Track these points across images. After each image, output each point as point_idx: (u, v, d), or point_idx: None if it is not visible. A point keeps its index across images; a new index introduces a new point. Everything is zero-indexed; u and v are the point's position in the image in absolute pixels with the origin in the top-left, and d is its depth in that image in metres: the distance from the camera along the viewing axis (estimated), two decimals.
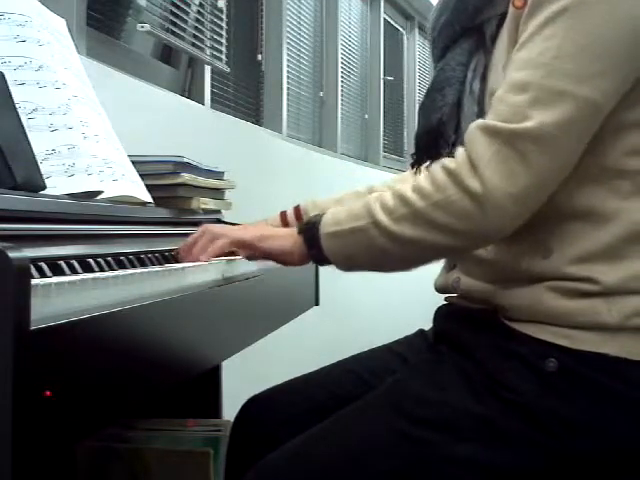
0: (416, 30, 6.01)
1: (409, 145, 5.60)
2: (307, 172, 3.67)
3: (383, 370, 1.31)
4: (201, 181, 1.69)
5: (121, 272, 1.06)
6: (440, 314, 1.28)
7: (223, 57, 3.10)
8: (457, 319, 1.21)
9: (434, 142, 1.20)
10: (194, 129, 2.71)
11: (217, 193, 1.78)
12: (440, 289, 1.27)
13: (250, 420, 1.37)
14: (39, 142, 1.28)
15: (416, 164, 1.24)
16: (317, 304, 1.93)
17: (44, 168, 1.24)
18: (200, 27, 3.00)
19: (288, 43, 3.92)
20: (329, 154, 4.28)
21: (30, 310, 0.75)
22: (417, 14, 5.90)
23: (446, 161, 1.09)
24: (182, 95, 2.94)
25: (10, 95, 1.21)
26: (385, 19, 5.39)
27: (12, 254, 0.74)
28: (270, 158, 3.35)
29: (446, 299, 1.28)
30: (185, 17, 2.90)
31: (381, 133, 5.24)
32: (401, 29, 5.89)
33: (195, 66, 3.07)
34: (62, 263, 0.98)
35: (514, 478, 1.09)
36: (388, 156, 5.43)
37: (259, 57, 3.75)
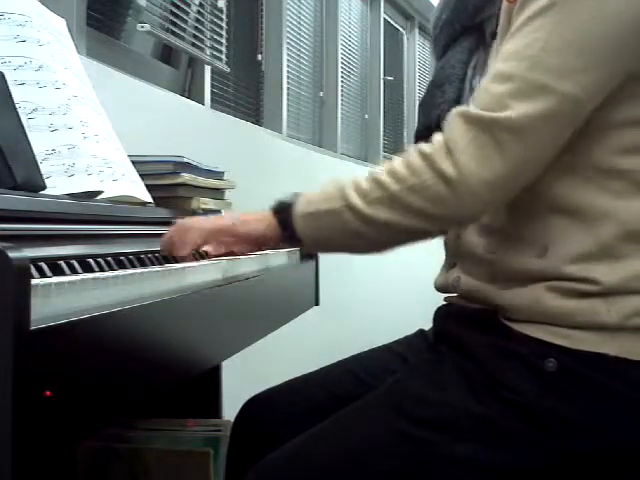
0: (416, 30, 6.01)
1: (409, 145, 5.59)
2: (307, 172, 3.67)
3: (383, 370, 1.31)
4: (201, 181, 1.69)
5: (121, 272, 1.06)
6: (440, 314, 1.28)
7: (223, 57, 3.10)
8: (457, 319, 1.21)
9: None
10: (194, 129, 2.71)
11: (217, 193, 1.78)
12: (440, 288, 1.27)
13: (250, 420, 1.37)
14: (39, 142, 1.29)
15: None
16: (317, 304, 1.93)
17: (44, 168, 1.24)
18: (200, 27, 3.00)
19: (288, 43, 3.92)
20: (329, 154, 4.28)
21: (30, 310, 0.75)
22: (417, 14, 5.89)
23: (422, 145, 1.09)
24: (182, 95, 2.95)
25: (10, 95, 1.21)
26: (385, 19, 5.39)
27: (12, 254, 0.74)
28: (270, 158, 3.35)
29: (446, 299, 1.28)
30: (185, 17, 2.90)
31: (381, 133, 5.24)
32: (401, 29, 5.89)
33: (195, 66, 3.07)
34: (62, 263, 0.98)
35: (514, 478, 1.09)
36: (388, 156, 5.44)
37: (259, 57, 3.75)
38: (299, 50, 4.17)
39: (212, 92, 3.15)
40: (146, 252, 1.25)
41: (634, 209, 1.09)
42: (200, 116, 2.90)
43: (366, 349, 1.43)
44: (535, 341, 1.09)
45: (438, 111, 1.20)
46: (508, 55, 1.08)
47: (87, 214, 1.23)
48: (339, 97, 4.60)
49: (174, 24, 2.79)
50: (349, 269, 3.77)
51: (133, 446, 1.69)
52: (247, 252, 1.38)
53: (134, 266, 1.18)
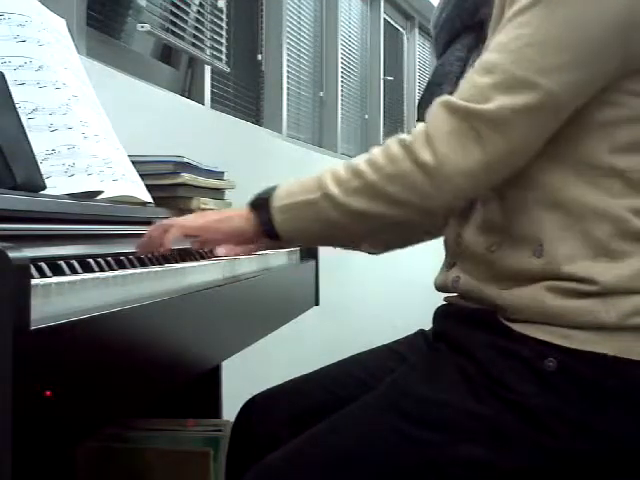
0: (416, 30, 6.01)
1: None
2: (307, 172, 3.66)
3: (383, 370, 1.31)
4: (201, 181, 1.69)
5: (121, 272, 1.06)
6: (440, 314, 1.28)
7: (223, 57, 3.10)
8: (457, 319, 1.21)
9: None
10: (194, 129, 2.71)
11: (217, 193, 1.78)
12: (440, 288, 1.27)
13: (250, 420, 1.37)
14: (39, 142, 1.29)
15: None
16: (317, 304, 1.93)
17: (44, 168, 1.24)
18: (200, 27, 3.00)
19: (288, 43, 3.92)
20: (329, 154, 4.28)
21: (30, 310, 0.75)
22: (417, 14, 5.90)
23: (402, 135, 1.10)
24: (182, 95, 2.95)
25: (10, 95, 1.21)
26: (385, 19, 5.39)
27: (12, 254, 0.74)
28: (270, 158, 3.35)
29: (445, 299, 1.28)
30: (185, 17, 2.90)
31: (381, 133, 5.24)
32: (401, 29, 5.89)
33: (195, 66, 3.07)
34: (62, 263, 0.98)
35: (514, 478, 1.09)
36: None
37: (259, 57, 3.75)
38: (299, 50, 4.17)
39: (212, 92, 3.15)
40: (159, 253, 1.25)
41: (629, 207, 1.09)
42: (200, 116, 2.90)
43: (366, 349, 1.43)
44: (535, 341, 1.09)
45: None
46: (494, 47, 1.09)
47: (87, 214, 1.23)
48: (339, 97, 4.60)
49: (174, 24, 2.79)
50: (349, 269, 3.78)
51: (133, 446, 1.69)
52: (236, 250, 1.37)
53: (134, 266, 1.18)
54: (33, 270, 0.87)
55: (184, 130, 2.60)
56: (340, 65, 4.61)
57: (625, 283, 1.07)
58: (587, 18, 1.05)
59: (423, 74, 6.08)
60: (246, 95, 3.65)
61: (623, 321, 1.07)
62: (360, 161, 1.11)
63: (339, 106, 4.59)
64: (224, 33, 3.11)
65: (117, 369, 0.93)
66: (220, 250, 1.34)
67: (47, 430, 0.79)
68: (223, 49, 3.09)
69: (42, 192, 1.19)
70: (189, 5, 2.93)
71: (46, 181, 1.21)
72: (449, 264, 1.26)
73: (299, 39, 4.16)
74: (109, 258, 1.12)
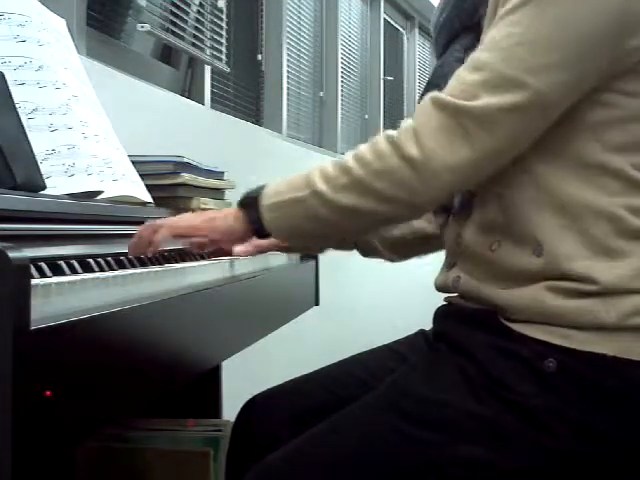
0: (416, 30, 6.01)
1: None
2: None
3: (383, 370, 1.31)
4: (201, 181, 1.69)
5: (121, 272, 1.06)
6: (440, 314, 1.28)
7: (223, 57, 3.10)
8: (457, 319, 1.21)
9: None
10: (194, 129, 2.71)
11: (217, 193, 1.78)
12: (440, 288, 1.27)
13: (251, 420, 1.37)
14: (39, 142, 1.29)
15: None
16: (317, 304, 1.93)
17: (44, 168, 1.24)
18: (200, 27, 3.00)
19: (288, 43, 3.92)
20: (329, 154, 4.28)
21: (30, 310, 0.75)
22: (417, 14, 5.90)
23: (390, 131, 1.10)
24: (182, 95, 2.95)
25: (10, 95, 1.21)
26: (385, 19, 5.39)
27: (12, 254, 0.74)
28: (270, 158, 3.35)
29: (446, 299, 1.28)
30: (185, 17, 2.90)
31: (381, 133, 5.23)
32: (401, 29, 5.89)
33: (195, 66, 3.07)
34: (62, 263, 0.98)
35: (514, 478, 1.09)
36: None
37: (259, 57, 3.75)
38: (299, 50, 4.17)
39: (212, 92, 3.15)
40: (149, 253, 1.25)
41: (625, 206, 1.09)
42: (200, 116, 2.90)
43: (366, 349, 1.43)
44: (535, 341, 1.09)
45: None
46: (484, 45, 1.09)
47: (87, 214, 1.23)
48: (339, 97, 4.60)
49: (174, 24, 2.79)
50: (349, 269, 3.77)
51: (133, 446, 1.69)
52: (225, 250, 1.38)
53: (134, 266, 1.18)
54: (33, 270, 0.87)
55: (184, 130, 2.60)
56: (340, 65, 4.61)
57: (625, 283, 1.07)
58: (577, 18, 1.06)
59: (423, 74, 6.08)
60: (246, 95, 3.65)
61: (623, 321, 1.07)
62: (347, 157, 1.11)
63: (339, 106, 4.59)
64: (224, 33, 3.11)
65: (117, 369, 0.93)
66: (238, 249, 1.34)
67: (47, 430, 0.79)
68: (223, 49, 3.09)
69: (42, 192, 1.19)
70: (189, 5, 2.93)
71: (46, 181, 1.21)
72: (449, 264, 1.26)
73: (299, 39, 4.16)
74: (109, 258, 1.12)
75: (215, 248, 1.34)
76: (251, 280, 1.45)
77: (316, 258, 1.90)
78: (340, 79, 4.60)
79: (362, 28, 5.10)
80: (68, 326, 0.81)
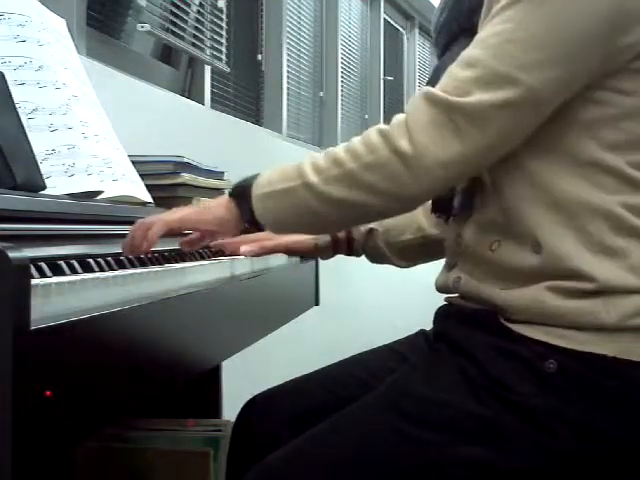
0: (416, 30, 6.02)
1: None
2: None
3: (383, 370, 1.31)
4: (201, 181, 1.69)
5: (121, 272, 1.06)
6: (440, 314, 1.28)
7: (223, 57, 3.10)
8: (457, 319, 1.21)
9: None
10: (194, 129, 2.71)
11: (217, 193, 1.78)
12: (441, 289, 1.27)
13: (251, 420, 1.37)
14: (39, 142, 1.29)
15: None
16: (317, 304, 1.93)
17: (44, 168, 1.24)
18: (200, 27, 3.00)
19: (288, 43, 3.92)
20: None
21: (30, 310, 0.75)
22: (417, 14, 5.90)
23: (382, 125, 1.10)
24: (182, 95, 2.95)
25: (10, 95, 1.21)
26: (385, 19, 5.39)
27: (12, 254, 0.74)
28: (270, 158, 3.35)
29: (446, 299, 1.28)
30: (185, 17, 2.90)
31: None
32: (401, 29, 5.89)
33: (195, 66, 3.07)
34: (62, 263, 0.98)
35: (515, 478, 1.09)
36: None
37: (259, 57, 3.75)
38: (299, 50, 4.17)
39: (212, 92, 3.16)
40: (146, 252, 1.25)
41: (622, 203, 1.09)
42: (200, 116, 2.90)
43: (366, 349, 1.43)
44: (535, 342, 1.09)
45: None
46: (477, 42, 1.10)
47: (87, 214, 1.23)
48: (339, 97, 4.60)
49: (174, 24, 2.80)
50: (349, 269, 3.77)
51: (133, 446, 1.69)
52: (218, 241, 1.38)
53: (134, 266, 1.18)
54: (33, 270, 0.87)
55: (184, 130, 2.60)
56: (340, 65, 4.61)
57: (623, 280, 1.07)
58: (570, 15, 1.06)
59: (423, 74, 6.08)
60: (246, 95, 3.65)
61: (623, 322, 1.07)
62: (339, 149, 1.12)
63: (339, 106, 4.59)
64: (224, 33, 3.11)
65: (117, 369, 0.93)
66: (244, 249, 1.34)
67: (47, 430, 0.79)
68: (223, 49, 3.09)
69: (42, 192, 1.19)
70: (189, 5, 2.93)
71: (46, 181, 1.21)
72: (450, 265, 1.26)
73: (299, 39, 4.16)
74: (109, 258, 1.12)
75: (211, 240, 1.34)
76: (251, 280, 1.45)
77: (316, 258, 1.90)
78: (340, 79, 4.60)
79: (362, 28, 5.10)
80: (68, 326, 0.81)
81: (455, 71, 1.09)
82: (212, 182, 1.74)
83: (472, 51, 1.09)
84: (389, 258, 1.51)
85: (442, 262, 1.29)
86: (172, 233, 1.24)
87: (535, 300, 1.09)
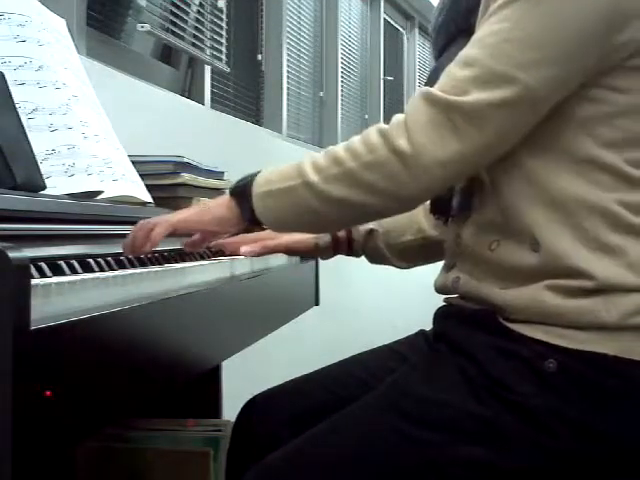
0: (416, 30, 6.01)
1: None
2: None
3: (383, 370, 1.31)
4: (201, 181, 1.69)
5: (121, 272, 1.06)
6: (440, 315, 1.28)
7: (223, 57, 3.10)
8: (457, 320, 1.21)
9: None
10: (194, 129, 2.71)
11: (217, 193, 1.78)
12: (440, 289, 1.27)
13: (251, 420, 1.37)
14: (39, 142, 1.29)
15: None
16: (317, 304, 1.93)
17: (44, 168, 1.24)
18: (200, 27, 3.00)
19: (288, 43, 3.92)
20: None
21: (30, 310, 0.75)
22: (417, 14, 5.90)
23: (381, 124, 1.11)
24: (182, 95, 2.95)
25: (10, 95, 1.21)
26: (385, 19, 5.39)
27: (12, 254, 0.74)
28: (270, 158, 3.34)
29: (445, 300, 1.28)
30: (185, 17, 2.90)
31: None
32: (401, 29, 5.89)
33: (195, 66, 3.07)
34: (62, 263, 0.98)
35: (515, 478, 1.09)
36: None
37: (259, 57, 3.75)
38: (299, 50, 4.17)
39: (212, 92, 3.16)
40: (146, 252, 1.25)
41: (619, 201, 1.09)
42: (200, 116, 2.90)
43: (366, 349, 1.43)
44: (535, 342, 1.09)
45: None
46: (474, 42, 1.10)
47: (87, 214, 1.23)
48: (339, 97, 4.60)
49: (174, 24, 2.80)
50: (349, 269, 3.77)
51: (133, 446, 1.69)
52: (218, 241, 1.39)
53: (134, 266, 1.18)
54: (33, 270, 0.87)
55: (184, 130, 2.60)
56: (340, 65, 4.61)
57: (622, 278, 1.07)
58: (567, 14, 1.06)
59: (423, 74, 6.08)
60: (246, 95, 3.65)
61: (624, 320, 1.07)
62: (339, 149, 1.12)
63: (339, 106, 4.59)
64: (224, 33, 3.11)
65: (117, 369, 0.93)
66: (244, 249, 1.35)
67: (47, 430, 0.79)
68: (223, 49, 3.09)
69: (42, 192, 1.19)
70: (189, 5, 2.93)
71: (46, 181, 1.21)
72: (449, 265, 1.26)
73: (299, 39, 4.16)
74: (109, 258, 1.12)
75: (214, 241, 1.34)
76: (251, 280, 1.46)
77: (316, 258, 1.90)
78: (340, 79, 4.60)
79: (362, 28, 5.10)
80: (68, 326, 0.81)
81: (453, 71, 1.10)
82: (212, 182, 1.74)
83: (470, 51, 1.09)
84: (389, 259, 1.51)
85: (442, 263, 1.29)
86: (174, 234, 1.24)
87: (535, 299, 1.09)
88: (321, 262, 1.92)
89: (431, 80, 1.24)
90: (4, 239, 0.80)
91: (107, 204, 1.34)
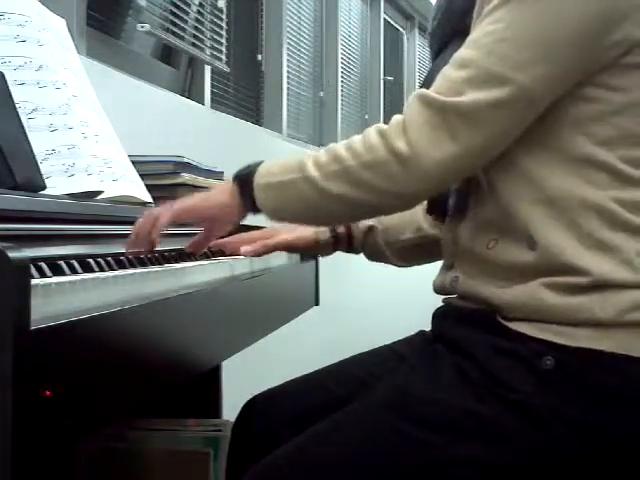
0: (416, 30, 6.02)
1: None
2: None
3: (383, 370, 1.31)
4: (201, 181, 1.69)
5: (121, 272, 1.06)
6: (438, 315, 1.28)
7: (223, 57, 3.10)
8: (455, 320, 1.21)
9: None
10: (194, 129, 2.71)
11: None
12: (438, 290, 1.27)
13: (251, 420, 1.37)
14: (39, 142, 1.29)
15: None
16: (317, 304, 1.93)
17: (44, 168, 1.24)
18: (200, 27, 3.00)
19: (288, 43, 3.92)
20: None
21: (30, 310, 0.75)
22: (417, 14, 5.90)
23: (381, 124, 1.13)
24: (182, 95, 2.95)
25: (10, 95, 1.21)
26: (385, 19, 5.39)
27: (12, 254, 0.74)
28: (270, 158, 3.35)
29: (444, 300, 1.28)
30: (185, 17, 2.90)
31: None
32: (401, 29, 5.90)
33: (195, 66, 3.07)
34: (62, 263, 0.98)
35: (515, 476, 1.09)
36: None
37: (259, 57, 3.75)
38: (299, 50, 4.17)
39: (212, 92, 3.16)
40: (146, 252, 1.25)
41: (614, 199, 1.09)
42: (200, 116, 2.90)
43: (366, 349, 1.43)
44: (532, 339, 1.09)
45: None
46: (469, 43, 1.11)
47: (87, 214, 1.23)
48: (339, 97, 4.60)
49: (174, 24, 2.80)
50: (349, 269, 3.78)
51: (133, 446, 1.69)
52: (219, 241, 1.41)
53: (134, 266, 1.18)
54: (33, 270, 0.87)
55: (184, 130, 2.60)
56: (340, 65, 4.61)
57: (618, 275, 1.08)
58: (561, 14, 1.07)
59: (423, 74, 6.08)
60: (246, 95, 3.66)
61: (621, 317, 1.07)
62: (340, 146, 1.14)
63: (339, 106, 4.59)
64: (224, 33, 3.11)
65: (117, 369, 0.93)
66: (244, 249, 1.35)
67: (47, 430, 0.79)
68: (223, 49, 3.09)
69: (42, 192, 1.19)
70: (189, 5, 2.93)
71: (46, 181, 1.21)
72: (447, 266, 1.26)
73: (299, 39, 4.16)
74: (109, 258, 1.12)
75: (215, 238, 1.35)
76: (251, 280, 1.45)
77: (316, 258, 1.90)
78: (340, 79, 4.60)
79: (362, 28, 5.10)
80: (68, 326, 0.81)
81: (449, 72, 1.11)
82: (212, 182, 1.74)
83: (465, 52, 1.10)
84: (388, 257, 1.52)
85: (441, 263, 1.29)
86: (178, 223, 1.26)
87: (532, 297, 1.10)
88: (321, 262, 1.92)
89: (427, 82, 1.25)
90: (4, 239, 0.80)
91: (107, 204, 1.34)
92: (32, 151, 1.20)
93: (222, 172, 1.81)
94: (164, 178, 1.62)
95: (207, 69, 3.09)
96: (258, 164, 1.21)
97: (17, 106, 1.23)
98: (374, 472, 1.11)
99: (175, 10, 2.83)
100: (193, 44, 2.91)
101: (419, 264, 1.55)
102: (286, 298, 1.79)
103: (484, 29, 1.09)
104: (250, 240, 1.46)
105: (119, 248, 1.19)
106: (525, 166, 1.11)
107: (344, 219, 1.21)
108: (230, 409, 1.68)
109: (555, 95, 1.09)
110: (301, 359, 2.53)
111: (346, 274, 3.70)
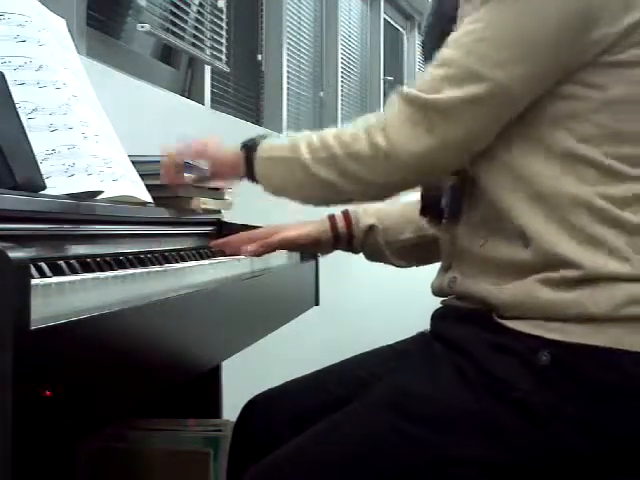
0: (416, 30, 6.02)
1: None
2: None
3: (383, 370, 1.31)
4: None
5: (121, 272, 1.06)
6: (437, 316, 1.28)
7: (223, 57, 3.10)
8: (453, 320, 1.21)
9: None
10: (194, 129, 2.71)
11: (217, 193, 1.78)
12: (436, 291, 1.28)
13: (252, 420, 1.37)
14: (39, 142, 1.28)
15: None
16: (317, 304, 1.93)
17: (44, 168, 1.24)
18: (200, 27, 3.00)
19: (288, 43, 3.92)
20: None
21: (30, 310, 0.75)
22: (417, 14, 5.90)
23: (370, 117, 1.19)
24: (182, 95, 2.95)
25: (10, 95, 1.21)
26: (385, 19, 5.39)
27: (12, 254, 0.74)
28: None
29: (442, 302, 1.28)
30: (185, 17, 2.90)
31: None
32: (401, 29, 5.90)
33: (195, 66, 3.07)
34: (62, 263, 0.98)
35: (514, 475, 1.09)
36: None
37: (259, 57, 3.75)
38: (299, 50, 4.17)
39: (212, 92, 3.15)
40: (146, 252, 1.25)
41: (603, 195, 1.10)
42: (200, 116, 2.90)
43: (366, 349, 1.43)
44: (528, 336, 1.10)
45: None
46: (450, 42, 1.14)
47: (87, 214, 1.23)
48: (339, 97, 4.60)
49: (174, 24, 2.79)
50: (349, 269, 3.78)
51: (133, 446, 1.69)
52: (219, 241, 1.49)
53: (134, 266, 1.18)
54: (33, 270, 0.87)
55: (184, 130, 2.60)
56: (340, 65, 4.61)
57: (610, 270, 1.08)
58: (540, 13, 1.09)
59: None
60: (246, 95, 3.66)
61: (616, 312, 1.07)
62: (330, 135, 1.20)
63: (339, 106, 4.59)
64: (224, 33, 3.11)
65: (117, 369, 0.93)
66: (245, 249, 1.39)
67: (47, 429, 0.79)
68: (223, 49, 3.09)
69: (42, 192, 1.19)
70: (189, 5, 2.93)
71: (46, 181, 1.21)
72: (445, 267, 1.26)
73: (299, 39, 4.16)
74: (109, 258, 1.12)
75: (213, 178, 1.48)
76: (251, 280, 1.46)
77: (316, 258, 1.90)
78: (340, 79, 4.60)
79: (362, 28, 5.10)
80: (68, 326, 0.81)
81: (430, 70, 1.15)
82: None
83: (445, 51, 1.14)
84: (387, 257, 1.52)
85: (438, 264, 1.30)
86: (192, 158, 1.44)
87: (529, 295, 1.10)
88: (321, 262, 1.92)
89: None
90: (4, 239, 0.80)
91: (107, 204, 1.34)
92: (32, 151, 1.20)
93: None
94: None
95: (207, 69, 3.09)
96: (264, 136, 1.30)
97: (17, 106, 1.22)
98: (374, 472, 1.11)
99: (175, 10, 2.83)
100: (193, 44, 2.91)
101: (418, 265, 1.55)
102: (286, 298, 1.79)
103: (464, 28, 1.12)
104: (250, 240, 1.46)
105: (119, 248, 1.19)
106: (513, 164, 1.13)
107: (332, 202, 1.29)
108: (230, 409, 1.68)
109: (535, 94, 1.11)
110: (301, 359, 2.53)
111: (346, 274, 3.70)
